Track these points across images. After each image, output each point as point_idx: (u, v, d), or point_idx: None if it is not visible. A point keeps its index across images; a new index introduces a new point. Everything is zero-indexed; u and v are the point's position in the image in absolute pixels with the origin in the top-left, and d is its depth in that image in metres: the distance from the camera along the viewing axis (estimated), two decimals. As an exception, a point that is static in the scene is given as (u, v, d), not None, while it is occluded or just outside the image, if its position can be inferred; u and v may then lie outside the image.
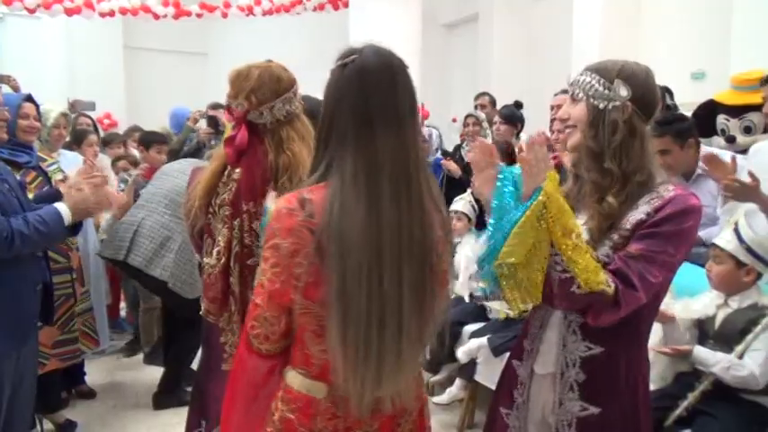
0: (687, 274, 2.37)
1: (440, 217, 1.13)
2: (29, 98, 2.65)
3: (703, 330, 2.10)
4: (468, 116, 4.09)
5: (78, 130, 3.76)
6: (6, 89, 3.99)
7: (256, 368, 1.11)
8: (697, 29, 5.67)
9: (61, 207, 1.93)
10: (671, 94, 3.27)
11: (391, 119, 1.08)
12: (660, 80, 1.52)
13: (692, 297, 2.17)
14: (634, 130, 1.32)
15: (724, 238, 2.10)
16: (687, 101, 3.52)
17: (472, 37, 8.46)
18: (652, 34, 6.11)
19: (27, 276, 1.90)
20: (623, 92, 1.30)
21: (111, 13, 7.91)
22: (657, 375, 2.06)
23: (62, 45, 9.07)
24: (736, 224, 2.08)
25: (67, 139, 3.35)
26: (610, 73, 1.33)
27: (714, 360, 1.93)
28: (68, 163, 2.98)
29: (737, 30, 4.46)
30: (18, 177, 2.12)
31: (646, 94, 1.34)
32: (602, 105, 1.32)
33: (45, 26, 8.83)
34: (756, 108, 2.73)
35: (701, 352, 1.96)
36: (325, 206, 1.04)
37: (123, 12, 7.97)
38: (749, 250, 2.02)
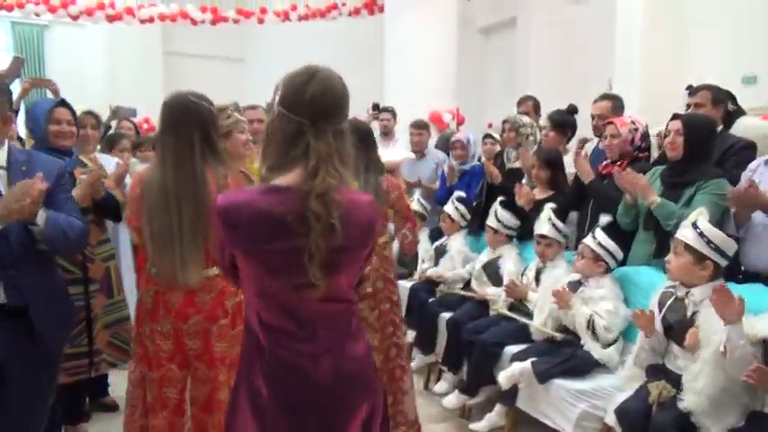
0: (751, 292, 2.26)
1: (214, 179, 1.90)
2: (62, 103, 2.62)
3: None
4: (504, 122, 3.94)
5: (112, 135, 3.78)
6: (48, 94, 4.06)
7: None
8: (747, 31, 5.42)
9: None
10: (733, 99, 3.12)
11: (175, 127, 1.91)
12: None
13: (755, 315, 2.04)
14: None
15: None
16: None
17: (510, 41, 8.30)
18: (699, 36, 5.86)
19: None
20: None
21: (151, 20, 8.03)
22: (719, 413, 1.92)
23: (104, 52, 9.26)
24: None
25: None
26: None
27: None
28: (107, 167, 2.97)
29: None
30: None
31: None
32: None
33: (88, 33, 9.04)
34: None
35: None
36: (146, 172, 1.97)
37: (162, 18, 8.09)
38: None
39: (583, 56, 7.08)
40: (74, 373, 2.62)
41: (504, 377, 2.63)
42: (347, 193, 1.31)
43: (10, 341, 1.85)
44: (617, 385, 2.43)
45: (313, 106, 1.28)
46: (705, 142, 2.58)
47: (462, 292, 3.53)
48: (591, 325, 2.62)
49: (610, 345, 2.60)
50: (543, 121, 3.83)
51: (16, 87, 3.66)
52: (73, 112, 2.64)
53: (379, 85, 7.68)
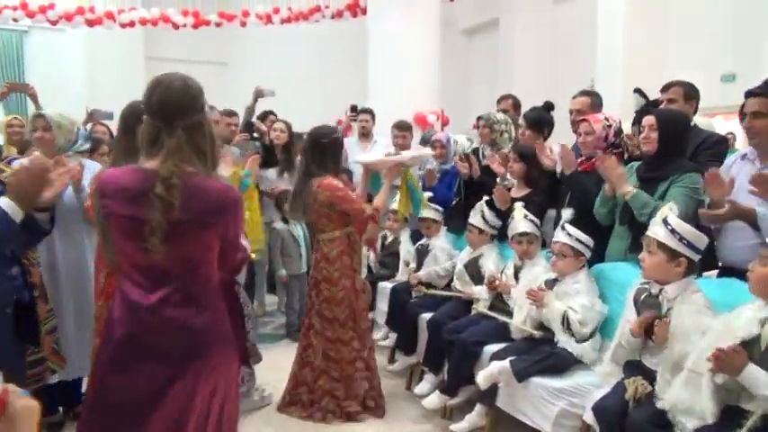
0: (725, 286, 2.26)
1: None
2: None
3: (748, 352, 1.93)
4: (478, 118, 3.93)
5: (93, 139, 3.73)
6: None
7: None
8: (726, 30, 5.46)
9: (2, 200, 1.76)
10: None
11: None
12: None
13: (731, 311, 2.01)
14: None
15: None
16: (717, 104, 3.37)
17: (493, 42, 8.33)
18: (679, 35, 5.90)
19: None
20: None
21: (132, 24, 7.97)
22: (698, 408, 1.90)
23: (84, 57, 9.17)
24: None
25: (83, 146, 3.18)
26: None
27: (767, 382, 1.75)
28: (88, 170, 2.90)
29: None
30: None
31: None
32: None
33: (68, 38, 8.95)
34: None
35: (752, 371, 1.77)
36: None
37: (143, 22, 8.03)
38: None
39: (566, 56, 7.12)
40: (32, 381, 2.51)
41: (482, 377, 2.61)
42: (196, 179, 1.59)
43: None
44: (595, 382, 2.41)
45: (159, 109, 1.60)
46: (679, 137, 2.58)
47: (445, 293, 3.51)
48: (565, 320, 2.61)
49: (586, 340, 2.59)
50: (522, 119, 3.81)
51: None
52: None
53: (364, 86, 7.67)
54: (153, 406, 1.57)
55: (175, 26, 8.18)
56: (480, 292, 3.19)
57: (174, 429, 1.58)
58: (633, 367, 2.25)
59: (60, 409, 3.03)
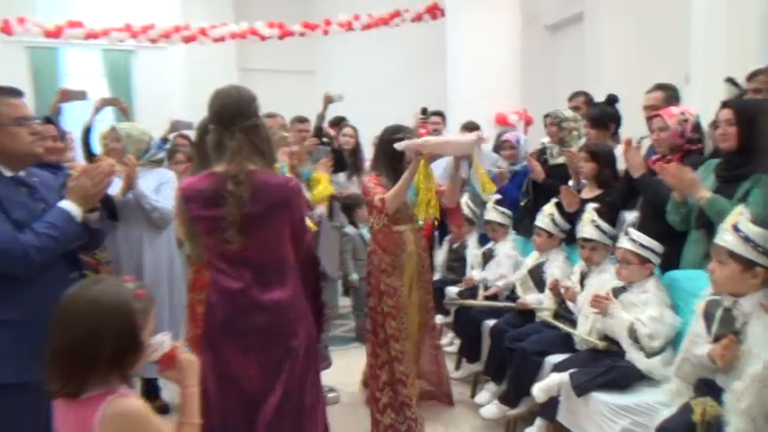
0: None
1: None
2: (47, 120, 2.78)
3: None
4: (545, 116, 3.73)
5: (169, 149, 3.97)
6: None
7: None
8: None
9: (65, 204, 1.87)
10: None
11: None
12: None
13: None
14: None
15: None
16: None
17: (578, 37, 7.94)
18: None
19: (54, 303, 1.62)
20: None
21: (223, 38, 8.42)
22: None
23: (184, 72, 9.81)
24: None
25: (155, 155, 3.39)
26: None
27: None
28: (161, 178, 3.15)
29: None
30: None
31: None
32: None
33: (170, 55, 9.62)
34: None
35: None
36: None
37: (233, 36, 8.46)
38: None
39: (657, 50, 6.63)
40: None
41: (539, 389, 2.47)
42: (259, 175, 1.85)
43: None
44: (662, 401, 2.21)
45: (219, 117, 1.89)
46: (762, 131, 2.31)
47: (481, 303, 3.40)
48: (633, 333, 2.42)
49: (656, 354, 2.39)
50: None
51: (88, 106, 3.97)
52: (59, 129, 2.89)
53: (443, 87, 7.62)
54: (254, 378, 1.86)
55: (262, 38, 8.55)
56: (537, 301, 3.04)
57: (269, 396, 1.85)
58: (705, 386, 2.04)
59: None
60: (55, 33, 7.63)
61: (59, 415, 1.33)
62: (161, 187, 3.08)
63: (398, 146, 2.76)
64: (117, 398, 1.28)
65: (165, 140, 4.13)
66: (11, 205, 1.80)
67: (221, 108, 1.88)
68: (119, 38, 7.98)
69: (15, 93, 1.89)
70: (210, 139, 1.90)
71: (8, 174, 1.86)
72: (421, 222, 2.96)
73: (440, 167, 4.14)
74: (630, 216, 2.67)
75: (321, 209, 3.59)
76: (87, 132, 3.60)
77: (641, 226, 2.71)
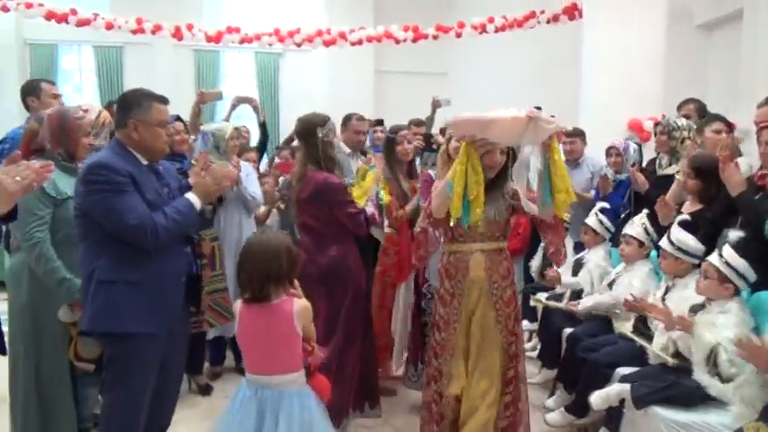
0: None
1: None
2: (177, 118, 3.43)
3: None
4: (655, 124, 3.51)
5: (295, 147, 4.43)
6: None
7: None
8: None
9: (191, 196, 2.24)
10: None
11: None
12: None
13: None
14: None
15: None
16: None
17: (735, 37, 7.22)
18: None
19: (171, 271, 2.24)
20: None
21: (360, 42, 8.90)
22: None
23: (327, 74, 10.51)
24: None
25: None
26: None
27: None
28: (245, 170, 3.67)
29: None
30: (183, 181, 2.44)
31: None
32: None
33: (314, 58, 10.36)
34: None
35: None
36: None
37: (370, 39, 8.90)
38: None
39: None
40: (194, 328, 3.08)
41: (597, 397, 2.43)
42: (311, 173, 2.87)
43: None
44: (727, 423, 2.09)
45: (298, 134, 3.02)
46: None
47: (562, 305, 3.35)
48: (713, 356, 2.27)
49: (731, 380, 2.23)
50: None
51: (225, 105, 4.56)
52: (185, 125, 3.61)
53: (576, 89, 7.37)
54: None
55: (396, 41, 8.88)
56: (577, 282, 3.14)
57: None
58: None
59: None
60: (216, 38, 8.62)
61: (247, 320, 2.06)
62: (247, 178, 3.65)
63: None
64: (297, 299, 2.06)
65: (291, 139, 4.58)
66: (145, 188, 2.19)
67: (297, 132, 3.07)
68: (268, 42, 8.79)
69: (164, 101, 2.30)
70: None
71: (144, 162, 2.27)
72: (466, 224, 2.23)
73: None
74: (734, 234, 2.48)
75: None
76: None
77: (744, 246, 2.51)
